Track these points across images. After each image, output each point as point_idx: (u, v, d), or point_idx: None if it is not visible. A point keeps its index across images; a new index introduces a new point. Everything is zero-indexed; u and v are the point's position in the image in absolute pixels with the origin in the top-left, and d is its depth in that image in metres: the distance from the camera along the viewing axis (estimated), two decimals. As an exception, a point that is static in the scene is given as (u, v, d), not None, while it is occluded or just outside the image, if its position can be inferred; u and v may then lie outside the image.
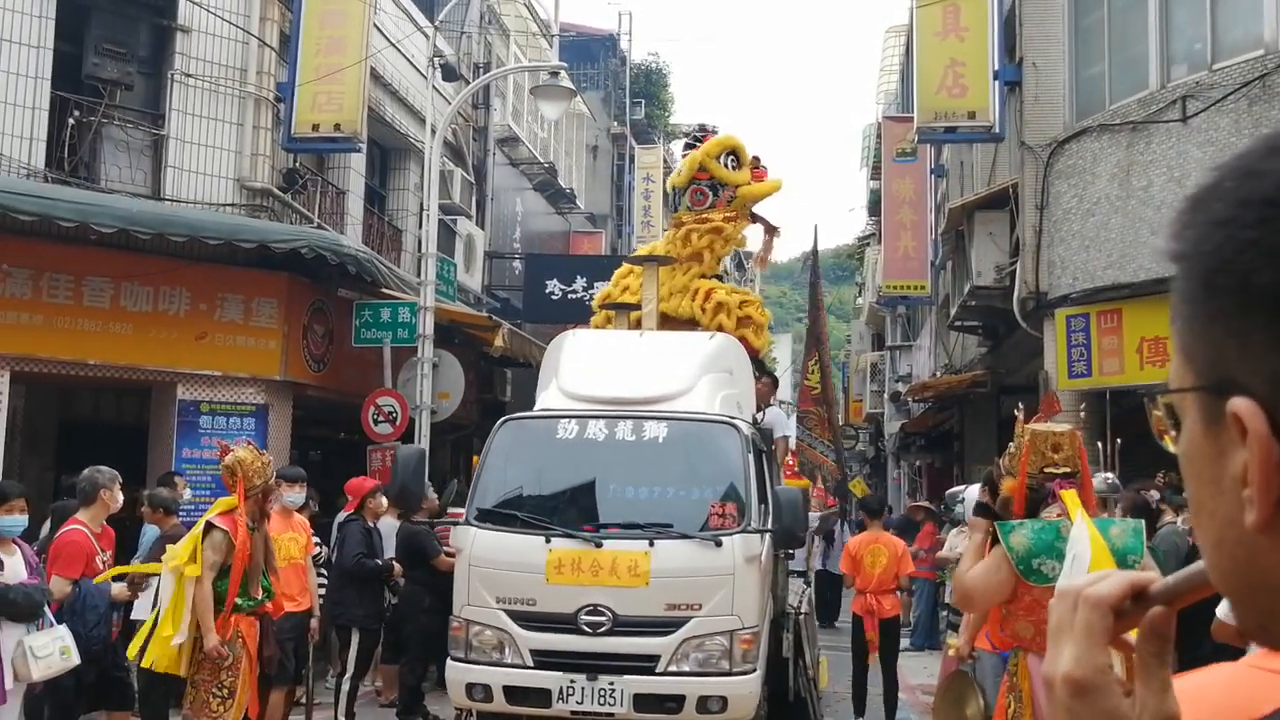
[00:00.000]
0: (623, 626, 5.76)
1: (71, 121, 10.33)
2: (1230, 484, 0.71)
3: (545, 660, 5.82)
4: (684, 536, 5.92)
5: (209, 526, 5.81)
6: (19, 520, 5.66)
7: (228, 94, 11.31)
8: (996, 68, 11.03)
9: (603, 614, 5.76)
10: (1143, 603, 0.74)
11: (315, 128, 11.38)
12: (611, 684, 5.73)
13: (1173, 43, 10.04)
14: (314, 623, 7.68)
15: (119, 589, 6.38)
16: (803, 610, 7.95)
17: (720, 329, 7.94)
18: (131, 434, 11.35)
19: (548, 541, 5.87)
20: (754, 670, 5.88)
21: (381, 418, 11.40)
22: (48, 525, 7.16)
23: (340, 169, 13.41)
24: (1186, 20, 10.03)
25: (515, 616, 5.87)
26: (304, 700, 7.83)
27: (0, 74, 9.82)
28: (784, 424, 9.02)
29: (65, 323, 9.91)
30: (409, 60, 14.31)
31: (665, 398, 6.45)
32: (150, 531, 7.66)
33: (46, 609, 5.61)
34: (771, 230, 9.27)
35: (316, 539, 8.33)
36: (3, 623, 5.38)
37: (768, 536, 6.24)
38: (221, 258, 10.42)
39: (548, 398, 6.79)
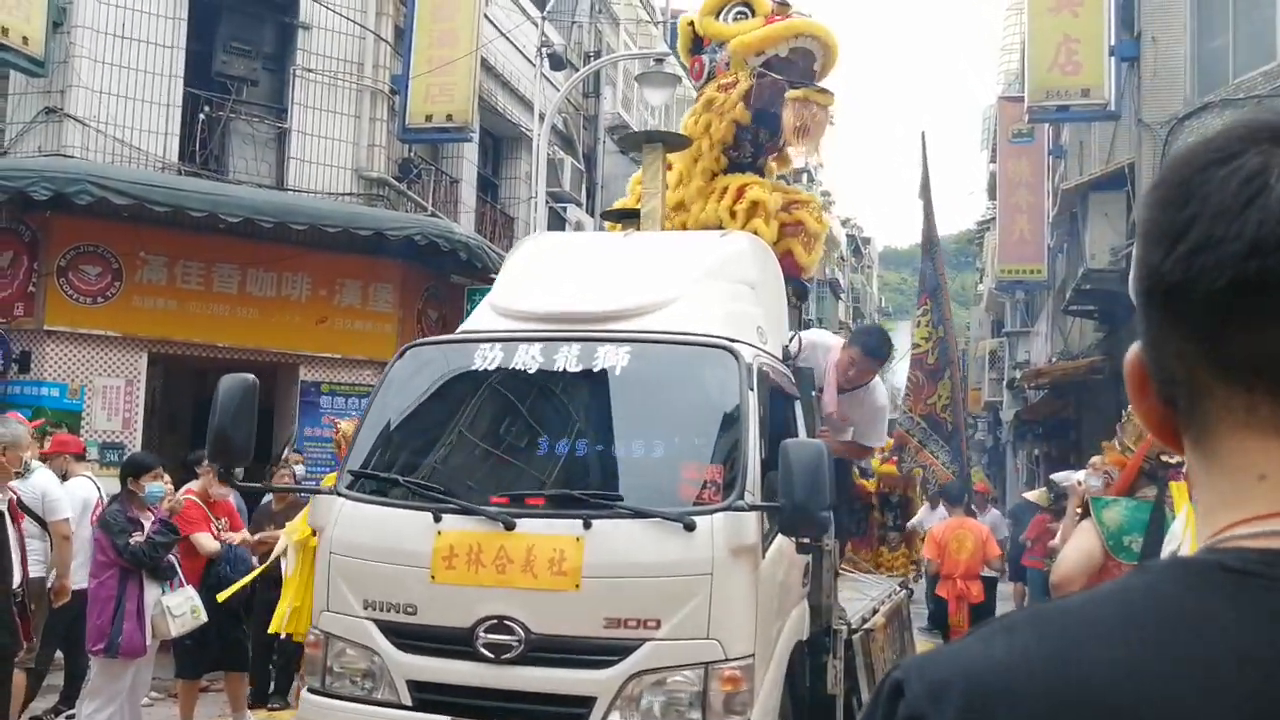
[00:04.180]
0: (540, 651, 3.89)
1: (202, 117, 10.99)
2: None
3: (428, 697, 4.01)
4: (637, 515, 3.93)
5: (322, 497, 6.16)
6: (162, 488, 6.19)
7: (346, 88, 11.82)
8: (1113, 43, 10.67)
9: (511, 631, 3.89)
10: None
11: (429, 118, 11.80)
12: None
13: (1303, 11, 9.55)
14: None
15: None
16: (870, 625, 5.53)
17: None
18: (261, 414, 11.99)
19: (437, 520, 4.02)
20: None
21: (489, 400, 11.77)
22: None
23: (454, 158, 13.85)
24: (1320, -13, 9.51)
25: (389, 631, 4.07)
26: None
27: (138, 73, 10.53)
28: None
29: (197, 307, 10.60)
30: (520, 51, 14.64)
31: (636, 312, 4.51)
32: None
33: (178, 569, 6.10)
34: (787, 86, 5.84)
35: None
36: (146, 582, 5.87)
37: (774, 518, 4.12)
38: (340, 245, 10.93)
39: (475, 318, 4.98)
